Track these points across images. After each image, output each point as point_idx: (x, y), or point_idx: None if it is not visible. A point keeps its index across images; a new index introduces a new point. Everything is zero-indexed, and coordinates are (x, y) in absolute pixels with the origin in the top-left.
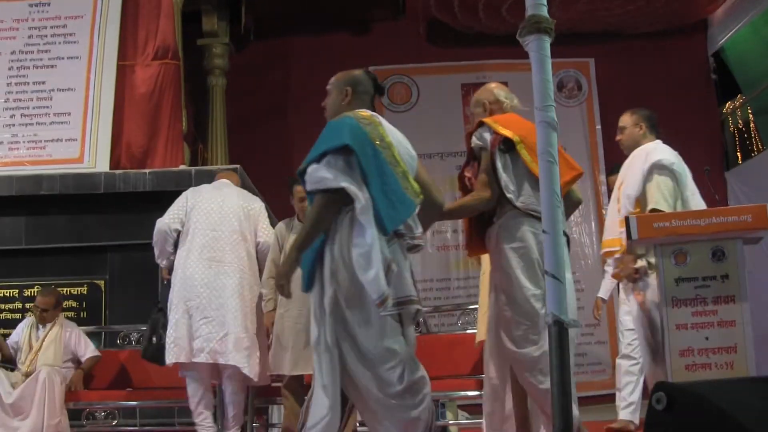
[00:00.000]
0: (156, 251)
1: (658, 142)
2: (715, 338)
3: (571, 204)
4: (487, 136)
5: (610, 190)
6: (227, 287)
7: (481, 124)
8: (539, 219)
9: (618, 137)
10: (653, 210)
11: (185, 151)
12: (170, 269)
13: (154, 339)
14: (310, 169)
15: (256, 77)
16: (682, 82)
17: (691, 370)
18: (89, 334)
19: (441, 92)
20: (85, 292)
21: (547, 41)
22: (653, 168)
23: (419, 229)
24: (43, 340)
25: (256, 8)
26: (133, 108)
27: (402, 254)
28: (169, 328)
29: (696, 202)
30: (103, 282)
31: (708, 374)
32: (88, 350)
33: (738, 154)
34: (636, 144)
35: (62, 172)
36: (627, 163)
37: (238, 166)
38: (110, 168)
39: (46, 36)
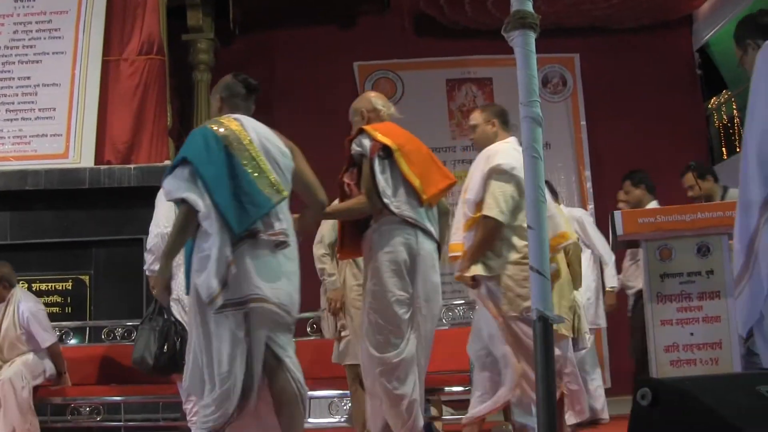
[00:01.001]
0: (151, 258)
1: (511, 140)
2: (700, 334)
3: (441, 213)
4: (367, 143)
5: (594, 186)
6: None
7: (361, 131)
8: (412, 225)
9: (471, 136)
10: (485, 217)
11: (170, 147)
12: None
13: (166, 347)
14: (164, 181)
15: (240, 72)
16: (668, 78)
17: (676, 365)
18: (74, 329)
19: (426, 87)
20: (69, 288)
21: (532, 36)
22: (492, 172)
23: (283, 225)
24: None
25: (241, 3)
26: (118, 103)
27: (258, 252)
28: None
29: None
30: (87, 277)
31: (693, 370)
32: (45, 338)
33: (723, 149)
34: (489, 142)
35: (47, 168)
36: (473, 165)
37: None
38: (95, 163)
39: (31, 31)
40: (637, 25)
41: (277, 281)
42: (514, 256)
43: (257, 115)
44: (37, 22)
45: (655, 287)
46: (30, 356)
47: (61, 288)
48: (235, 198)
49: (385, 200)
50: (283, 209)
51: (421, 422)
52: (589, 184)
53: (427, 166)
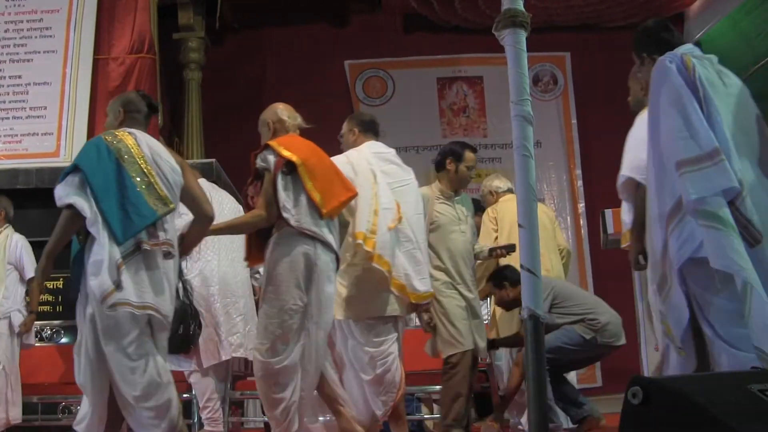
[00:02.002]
0: None
1: (366, 144)
2: None
3: (342, 225)
4: (271, 158)
5: (585, 185)
6: (248, 284)
7: (267, 146)
8: (312, 237)
9: (341, 146)
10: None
11: None
12: None
13: (181, 328)
14: (55, 188)
15: (231, 71)
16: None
17: None
18: (65, 328)
19: (416, 86)
20: (60, 286)
21: (523, 35)
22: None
23: (168, 236)
24: None
25: (232, 1)
26: (109, 102)
27: (147, 262)
28: (217, 323)
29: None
30: None
31: None
32: (31, 270)
33: None
34: (348, 147)
35: (38, 167)
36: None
37: (213, 160)
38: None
39: (22, 30)
40: (628, 23)
41: (162, 292)
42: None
43: (247, 115)
44: (28, 21)
45: (645, 286)
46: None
47: (51, 287)
48: (121, 207)
49: (285, 215)
50: (170, 222)
51: (296, 425)
52: (579, 183)
53: (330, 179)
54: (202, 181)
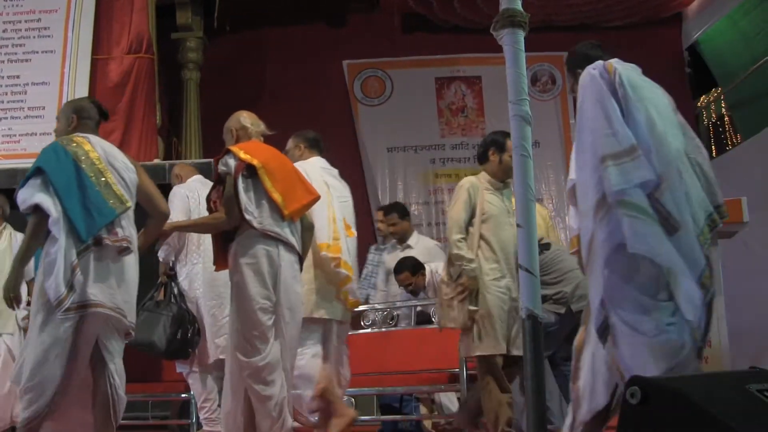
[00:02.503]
0: (166, 251)
1: (312, 160)
2: None
3: (305, 228)
4: (232, 162)
5: None
6: None
7: (227, 151)
8: (274, 239)
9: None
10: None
11: (159, 145)
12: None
13: (180, 333)
14: (17, 192)
15: (230, 71)
16: (657, 76)
17: None
18: None
19: (415, 86)
20: None
21: (521, 35)
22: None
23: (126, 233)
24: None
25: (230, 1)
26: (108, 102)
27: (102, 258)
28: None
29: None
30: None
31: None
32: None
33: (713, 148)
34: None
35: None
36: None
37: (212, 160)
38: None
39: (20, 30)
40: (626, 23)
41: (116, 287)
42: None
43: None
44: (26, 21)
45: None
46: None
47: None
48: (83, 206)
49: (247, 216)
50: (127, 219)
51: (289, 422)
52: None
53: (291, 183)
54: (200, 179)
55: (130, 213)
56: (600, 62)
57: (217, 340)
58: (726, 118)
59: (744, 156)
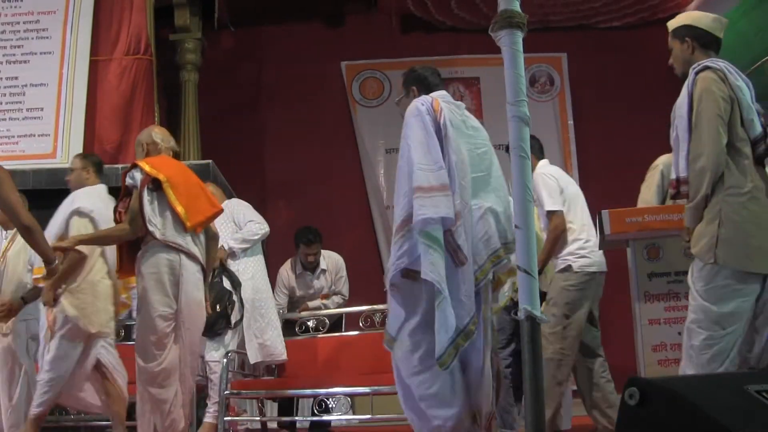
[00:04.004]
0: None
1: (95, 187)
2: None
3: (210, 238)
4: (138, 176)
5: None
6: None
7: (134, 165)
8: (177, 249)
9: (67, 177)
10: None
11: None
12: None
13: (218, 307)
14: None
15: (228, 72)
16: (655, 77)
17: (664, 365)
18: None
19: None
20: None
21: (520, 36)
22: (73, 214)
23: None
24: (10, 244)
25: (228, 2)
26: (106, 103)
27: None
28: (257, 328)
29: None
30: None
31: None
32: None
33: None
34: (80, 186)
35: (35, 168)
36: (61, 206)
37: (210, 161)
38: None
39: (18, 31)
40: (624, 23)
41: None
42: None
43: (244, 116)
44: (24, 22)
45: (642, 286)
46: None
47: None
48: None
49: (151, 228)
50: None
51: (181, 424)
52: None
53: (195, 195)
54: (238, 203)
55: None
56: (429, 98)
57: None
58: None
59: None
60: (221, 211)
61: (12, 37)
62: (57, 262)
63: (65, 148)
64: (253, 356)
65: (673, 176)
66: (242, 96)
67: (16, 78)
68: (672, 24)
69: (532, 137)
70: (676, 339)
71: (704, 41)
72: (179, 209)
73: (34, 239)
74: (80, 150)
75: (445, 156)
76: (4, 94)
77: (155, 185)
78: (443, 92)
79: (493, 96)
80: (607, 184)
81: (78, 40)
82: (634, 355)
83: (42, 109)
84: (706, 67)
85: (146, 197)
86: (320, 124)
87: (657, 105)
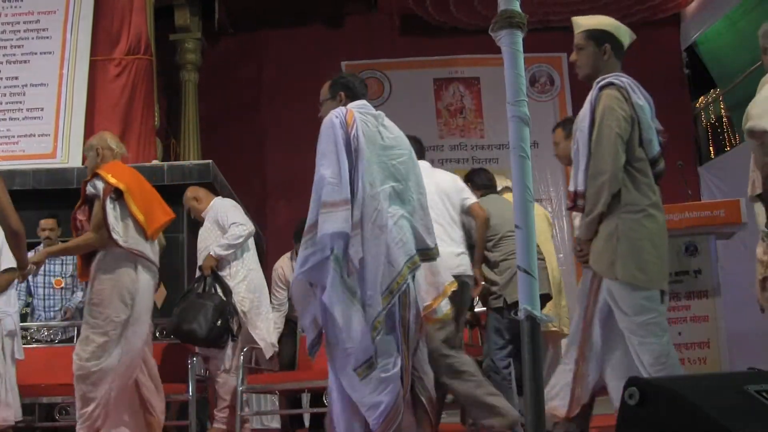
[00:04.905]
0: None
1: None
2: (688, 333)
3: (159, 244)
4: (100, 185)
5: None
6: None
7: (96, 174)
8: (137, 256)
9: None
10: None
11: (157, 146)
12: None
13: (220, 322)
14: None
15: (228, 72)
16: (655, 77)
17: None
18: (63, 329)
19: (413, 87)
20: None
21: (520, 36)
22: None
23: None
24: None
25: (228, 2)
26: (106, 103)
27: None
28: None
29: None
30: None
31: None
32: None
33: (711, 148)
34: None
35: (35, 168)
36: None
37: (210, 161)
38: (83, 163)
39: (18, 31)
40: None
41: None
42: None
43: (244, 116)
44: (24, 22)
45: None
46: None
47: None
48: None
49: (114, 236)
50: None
51: (106, 422)
52: None
53: (150, 203)
54: (221, 204)
55: None
56: (344, 109)
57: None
58: (724, 119)
59: (742, 157)
60: (174, 217)
61: (12, 37)
62: (29, 269)
63: (65, 149)
64: (268, 350)
65: (571, 189)
66: (242, 96)
67: (16, 78)
68: (587, 23)
69: (412, 138)
70: (677, 339)
71: (620, 52)
72: (140, 218)
73: (18, 244)
74: (79, 150)
75: (353, 168)
76: (4, 94)
77: (117, 194)
78: (363, 102)
79: (493, 96)
80: None
81: (78, 40)
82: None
83: (42, 109)
84: (611, 84)
85: (109, 206)
86: (320, 123)
87: (657, 104)
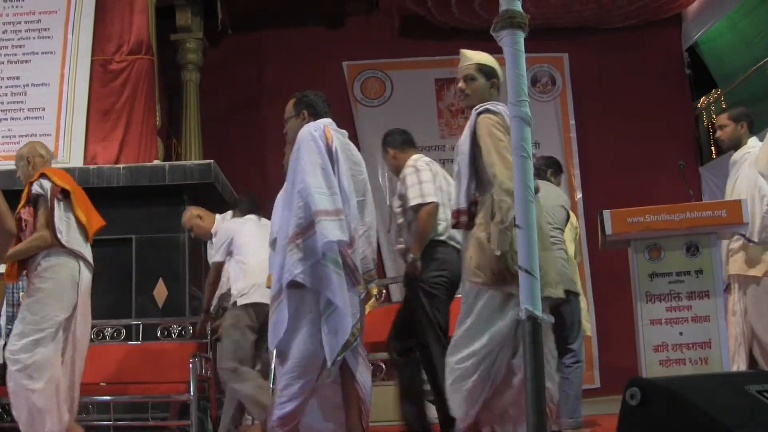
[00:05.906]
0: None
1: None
2: (689, 333)
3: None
4: (48, 185)
5: (583, 185)
6: None
7: (43, 175)
8: (77, 256)
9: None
10: None
11: (159, 146)
12: None
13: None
14: None
15: (229, 72)
16: (657, 77)
17: (665, 365)
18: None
19: (414, 87)
20: None
21: (521, 36)
22: None
23: None
24: None
25: (230, 3)
26: (107, 103)
27: None
28: None
29: None
30: None
31: (682, 369)
32: None
33: (712, 148)
34: None
35: None
36: None
37: (211, 161)
38: (84, 163)
39: (20, 31)
40: (626, 24)
41: None
42: None
43: (245, 116)
44: (26, 22)
45: (644, 286)
46: None
47: None
48: None
49: (59, 235)
50: None
51: (66, 416)
52: (577, 182)
53: (89, 207)
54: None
55: None
56: (320, 125)
57: None
58: None
59: None
60: (104, 224)
61: (13, 37)
62: None
63: (66, 149)
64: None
65: (454, 207)
66: (244, 96)
67: (18, 78)
68: (478, 58)
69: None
70: (678, 339)
71: (499, 86)
72: (84, 219)
73: (8, 245)
74: (81, 150)
75: (338, 180)
76: (6, 94)
77: (63, 196)
78: (329, 120)
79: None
80: (608, 183)
81: (79, 40)
82: (635, 355)
83: (43, 109)
84: (488, 110)
85: (56, 206)
86: None
87: (658, 105)
